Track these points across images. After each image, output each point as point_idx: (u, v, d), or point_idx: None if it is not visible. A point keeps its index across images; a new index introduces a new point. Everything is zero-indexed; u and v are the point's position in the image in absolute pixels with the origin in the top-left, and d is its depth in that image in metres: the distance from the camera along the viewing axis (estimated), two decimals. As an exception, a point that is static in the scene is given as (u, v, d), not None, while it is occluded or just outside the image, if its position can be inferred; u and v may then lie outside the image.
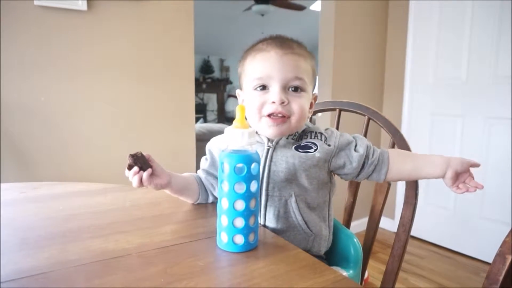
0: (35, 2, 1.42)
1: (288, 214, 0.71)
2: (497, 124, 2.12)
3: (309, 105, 0.76)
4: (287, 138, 0.74)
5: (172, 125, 1.85)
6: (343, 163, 0.74)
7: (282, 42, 0.72)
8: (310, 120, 0.99)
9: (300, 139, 0.75)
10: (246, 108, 0.67)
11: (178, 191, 0.76)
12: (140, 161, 0.65)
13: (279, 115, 0.70)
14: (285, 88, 0.71)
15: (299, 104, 0.71)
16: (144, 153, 0.66)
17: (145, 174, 0.65)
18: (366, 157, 0.74)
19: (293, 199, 0.71)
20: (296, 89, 0.71)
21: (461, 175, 0.71)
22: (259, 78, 0.71)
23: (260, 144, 0.74)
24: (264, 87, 0.71)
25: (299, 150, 0.72)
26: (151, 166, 0.67)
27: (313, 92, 0.78)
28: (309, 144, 0.72)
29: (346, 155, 0.74)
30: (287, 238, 0.70)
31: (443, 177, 0.72)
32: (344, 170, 0.75)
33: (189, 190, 0.77)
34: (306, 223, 0.72)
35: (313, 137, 0.74)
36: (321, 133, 0.75)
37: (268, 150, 0.72)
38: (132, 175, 0.65)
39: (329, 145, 0.73)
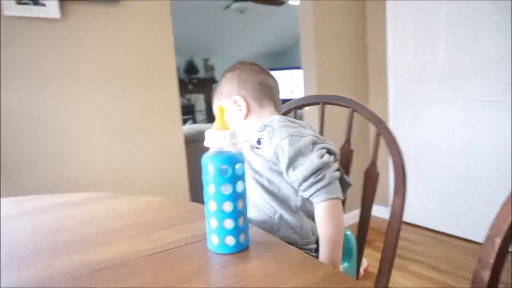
0: (4, 13, 1.38)
1: (250, 192, 0.77)
2: (480, 107, 2.14)
3: (234, 113, 0.86)
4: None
5: (159, 127, 1.83)
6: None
7: None
8: (295, 116, 0.99)
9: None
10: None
11: None
12: None
13: None
14: None
15: None
16: None
17: None
18: (307, 177, 0.71)
19: (250, 177, 0.78)
20: None
21: None
22: None
23: None
24: None
25: (254, 149, 0.79)
26: None
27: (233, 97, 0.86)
28: (260, 139, 0.78)
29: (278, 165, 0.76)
30: (255, 219, 0.76)
31: None
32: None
33: None
34: (264, 199, 0.76)
35: (260, 129, 0.79)
36: (265, 125, 0.79)
37: None
38: None
39: (270, 143, 0.76)
